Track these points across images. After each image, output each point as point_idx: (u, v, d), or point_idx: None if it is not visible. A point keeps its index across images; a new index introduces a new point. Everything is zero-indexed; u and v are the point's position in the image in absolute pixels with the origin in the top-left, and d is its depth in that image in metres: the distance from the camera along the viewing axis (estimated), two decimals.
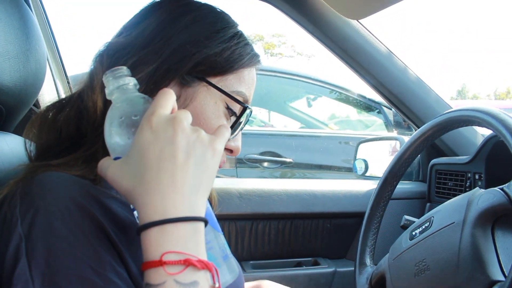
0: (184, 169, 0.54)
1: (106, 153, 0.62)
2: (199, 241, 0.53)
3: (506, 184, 0.87)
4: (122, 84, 0.61)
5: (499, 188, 0.87)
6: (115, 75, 0.61)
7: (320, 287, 1.56)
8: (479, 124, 0.99)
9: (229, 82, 0.75)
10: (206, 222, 0.55)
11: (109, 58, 0.71)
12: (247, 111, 0.77)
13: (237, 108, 0.76)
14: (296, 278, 1.55)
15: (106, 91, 0.62)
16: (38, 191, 0.59)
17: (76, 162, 0.67)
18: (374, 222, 1.23)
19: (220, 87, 0.74)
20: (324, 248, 1.65)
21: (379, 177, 1.25)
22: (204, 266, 0.52)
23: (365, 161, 2.03)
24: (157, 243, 0.51)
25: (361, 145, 2.12)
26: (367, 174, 2.01)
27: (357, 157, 2.08)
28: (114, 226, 0.61)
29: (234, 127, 0.76)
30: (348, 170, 3.32)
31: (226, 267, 0.61)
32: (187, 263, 0.51)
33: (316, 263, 1.63)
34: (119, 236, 0.61)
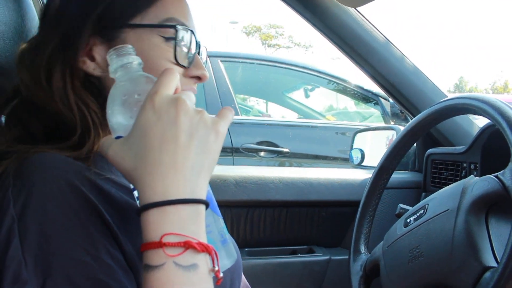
0: (186, 151, 0.53)
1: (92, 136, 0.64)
2: (200, 224, 0.53)
3: (501, 172, 0.87)
4: (126, 63, 0.61)
5: (494, 176, 0.88)
6: (119, 53, 0.61)
7: (314, 275, 1.57)
8: (475, 112, 0.99)
9: (152, 15, 0.72)
10: (207, 205, 0.54)
11: (29, 54, 0.71)
12: (184, 32, 0.73)
13: (180, 35, 0.73)
14: (291, 265, 1.55)
15: (110, 69, 0.62)
16: (32, 172, 0.59)
17: (67, 147, 0.66)
18: (369, 210, 1.23)
19: (145, 23, 0.71)
20: (319, 236, 1.66)
21: (375, 167, 1.25)
22: (204, 249, 0.51)
23: (361, 150, 2.03)
24: (157, 224, 0.51)
25: (358, 135, 2.12)
26: (363, 163, 2.01)
27: (353, 147, 2.08)
28: (108, 208, 0.61)
29: (189, 53, 0.74)
30: (344, 160, 3.33)
31: (225, 251, 0.61)
32: (187, 246, 0.50)
33: (311, 251, 1.63)
34: (113, 218, 0.61)
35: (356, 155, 2.04)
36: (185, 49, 0.74)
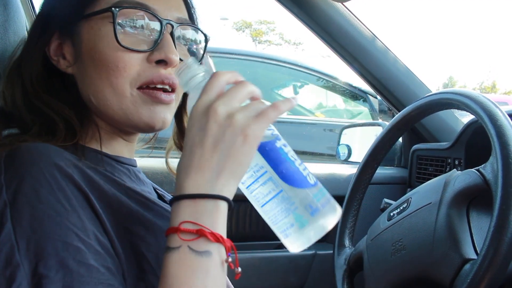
0: (210, 154, 0.57)
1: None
2: (217, 217, 0.57)
3: (482, 165, 0.88)
4: (190, 77, 0.64)
5: (475, 169, 0.89)
6: (180, 69, 0.64)
7: (299, 269, 1.58)
8: (458, 107, 1.00)
9: (104, 1, 0.70)
10: (228, 202, 0.59)
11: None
12: (133, 11, 0.70)
13: (127, 15, 0.70)
14: (277, 260, 1.56)
15: (179, 83, 0.66)
16: (24, 159, 0.60)
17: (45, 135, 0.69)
18: (354, 205, 1.24)
19: (92, 11, 0.70)
20: None
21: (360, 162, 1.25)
22: (217, 239, 0.56)
23: (348, 146, 2.04)
24: (176, 214, 0.57)
25: (345, 131, 2.13)
26: (350, 159, 2.02)
27: (340, 143, 2.09)
28: (96, 196, 0.62)
29: (146, 35, 0.71)
30: (331, 156, 3.34)
31: (317, 221, 0.61)
32: (200, 233, 0.55)
33: None
34: (101, 206, 0.62)
35: (343, 151, 2.05)
36: (133, 31, 0.70)
